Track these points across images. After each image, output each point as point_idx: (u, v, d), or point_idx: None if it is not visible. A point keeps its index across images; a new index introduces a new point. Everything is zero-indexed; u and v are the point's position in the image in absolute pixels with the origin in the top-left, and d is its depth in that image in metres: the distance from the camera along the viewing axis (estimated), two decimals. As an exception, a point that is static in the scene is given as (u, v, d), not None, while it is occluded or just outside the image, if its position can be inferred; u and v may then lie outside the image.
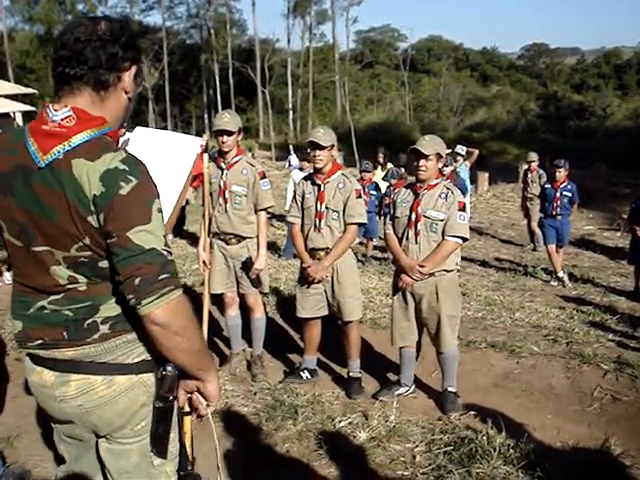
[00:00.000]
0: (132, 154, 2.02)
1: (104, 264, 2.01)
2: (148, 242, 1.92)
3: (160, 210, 1.99)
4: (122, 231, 1.90)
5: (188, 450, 2.37)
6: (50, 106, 2.01)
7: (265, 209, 5.54)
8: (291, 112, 51.23)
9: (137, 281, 1.90)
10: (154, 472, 2.24)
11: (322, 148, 5.10)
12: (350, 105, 45.06)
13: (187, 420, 2.37)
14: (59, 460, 2.45)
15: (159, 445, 2.19)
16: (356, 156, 25.55)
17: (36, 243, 2.03)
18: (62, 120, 1.97)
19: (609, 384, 5.57)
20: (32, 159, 1.96)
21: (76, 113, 1.98)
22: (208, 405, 2.23)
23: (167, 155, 2.14)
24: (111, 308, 2.07)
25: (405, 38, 67.71)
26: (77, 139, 1.95)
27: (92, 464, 2.35)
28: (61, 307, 2.07)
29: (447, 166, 10.60)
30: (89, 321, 2.06)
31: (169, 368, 2.08)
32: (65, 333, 2.07)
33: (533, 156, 13.07)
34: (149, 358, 2.13)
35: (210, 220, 5.50)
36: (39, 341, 2.11)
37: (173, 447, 2.25)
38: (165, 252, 1.96)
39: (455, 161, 12.54)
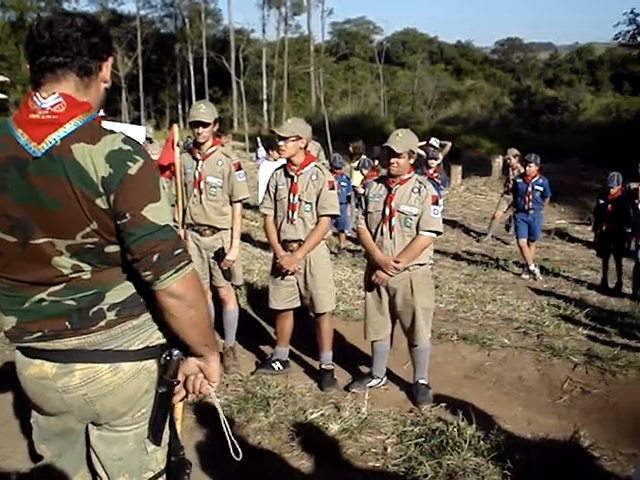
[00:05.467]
0: (130, 136, 2.06)
1: (110, 249, 2.03)
2: (162, 219, 1.99)
3: (164, 187, 2.05)
4: (136, 210, 1.95)
5: (179, 436, 2.38)
6: (37, 94, 2.00)
7: (240, 200, 5.52)
8: (265, 103, 50.97)
9: (155, 257, 1.96)
10: (146, 459, 2.26)
11: (284, 139, 5.12)
12: (325, 97, 44.92)
13: (179, 406, 2.39)
14: (33, 456, 2.42)
15: (156, 431, 2.21)
16: (330, 148, 25.50)
17: (35, 236, 2.01)
18: (52, 107, 1.97)
19: (579, 377, 5.65)
20: (25, 151, 1.94)
21: (65, 99, 1.99)
22: (210, 385, 2.26)
23: None
24: (117, 294, 2.09)
25: (380, 31, 67.63)
26: (71, 125, 1.96)
27: (77, 456, 2.34)
28: (62, 297, 2.07)
29: (435, 159, 10.68)
30: (94, 309, 2.07)
31: (175, 352, 2.13)
32: (68, 323, 2.07)
33: (514, 151, 13.02)
34: (152, 344, 2.16)
35: (184, 211, 5.48)
36: (38, 334, 2.09)
37: (165, 434, 2.27)
38: (175, 227, 2.04)
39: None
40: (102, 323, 2.08)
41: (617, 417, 4.95)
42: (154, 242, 1.96)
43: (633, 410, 5.02)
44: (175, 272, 1.98)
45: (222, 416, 2.37)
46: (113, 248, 2.03)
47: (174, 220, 2.09)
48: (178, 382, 2.20)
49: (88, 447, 2.30)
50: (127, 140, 2.01)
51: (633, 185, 10.74)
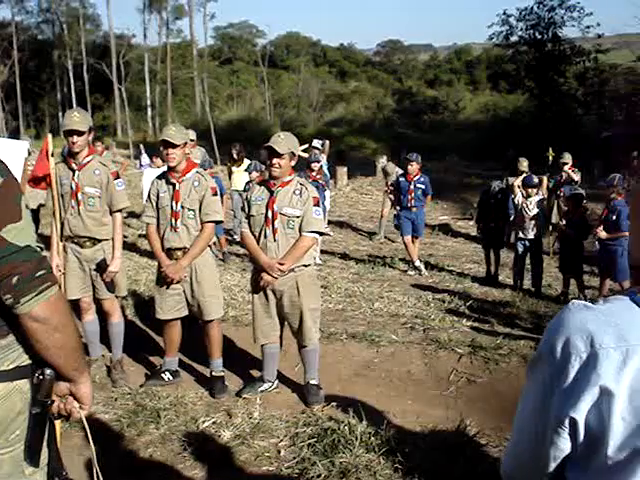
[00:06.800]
0: None
1: None
2: (22, 239, 1.88)
3: (27, 206, 1.95)
4: None
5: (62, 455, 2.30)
6: None
7: (120, 210, 5.42)
8: (149, 109, 50.16)
9: (14, 280, 1.84)
10: None
11: (175, 146, 5.04)
12: (210, 102, 44.61)
13: (57, 425, 2.33)
14: None
15: (33, 453, 2.12)
16: (216, 153, 25.35)
17: None
18: None
19: (464, 367, 5.83)
20: None
21: None
22: (82, 408, 2.18)
23: None
24: None
25: (263, 34, 67.62)
26: None
27: None
28: None
29: (318, 162, 10.78)
30: None
31: (47, 372, 2.03)
32: None
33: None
34: (23, 364, 2.05)
35: (62, 223, 5.32)
36: None
37: (43, 454, 2.18)
38: (39, 248, 1.92)
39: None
40: None
41: (501, 404, 5.12)
42: (13, 264, 1.86)
43: (516, 396, 5.16)
44: (37, 295, 1.89)
45: (91, 440, 2.33)
46: None
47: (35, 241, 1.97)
48: (52, 402, 2.13)
49: None
50: None
51: (511, 180, 11.18)
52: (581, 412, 1.15)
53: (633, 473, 1.12)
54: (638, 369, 1.11)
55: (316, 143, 12.89)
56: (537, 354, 1.28)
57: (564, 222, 9.15)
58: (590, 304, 1.22)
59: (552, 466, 1.26)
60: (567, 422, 1.18)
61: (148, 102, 50.31)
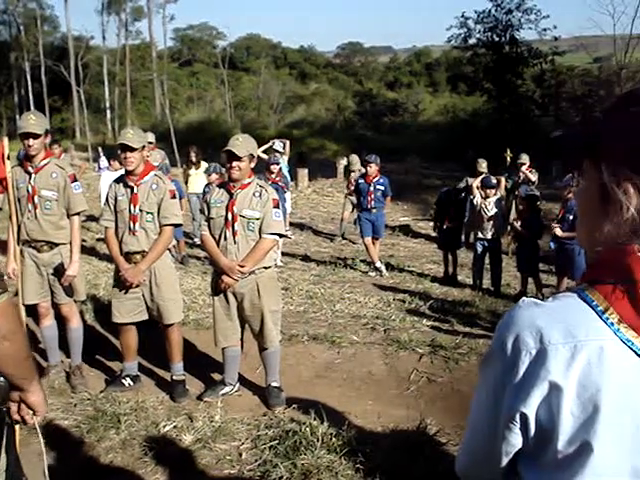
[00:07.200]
0: None
1: None
2: None
3: None
4: None
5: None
6: None
7: (78, 213, 5.37)
8: (108, 111, 49.64)
9: None
10: None
11: (133, 150, 5.00)
12: (170, 104, 44.29)
13: (16, 431, 2.31)
14: None
15: None
16: (176, 155, 25.18)
17: None
18: None
19: (424, 367, 5.88)
20: None
21: None
22: (35, 414, 2.16)
23: None
24: None
25: (224, 36, 67.27)
26: None
27: None
28: None
29: (277, 164, 10.76)
30: None
31: (1, 379, 2.01)
32: None
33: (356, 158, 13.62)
34: None
35: (19, 227, 5.24)
36: None
37: (2, 460, 2.15)
38: None
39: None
40: None
41: (461, 402, 5.17)
42: None
43: (475, 394, 5.27)
44: None
45: (42, 445, 2.30)
46: None
47: None
48: (8, 409, 2.12)
49: None
50: None
51: (470, 180, 11.29)
52: (531, 407, 1.17)
53: (581, 466, 1.14)
54: (586, 365, 1.13)
55: (277, 145, 12.84)
56: (489, 351, 1.30)
57: (519, 222, 9.28)
58: (540, 301, 1.25)
59: (505, 461, 1.27)
60: (518, 417, 1.19)
61: (107, 104, 49.79)
